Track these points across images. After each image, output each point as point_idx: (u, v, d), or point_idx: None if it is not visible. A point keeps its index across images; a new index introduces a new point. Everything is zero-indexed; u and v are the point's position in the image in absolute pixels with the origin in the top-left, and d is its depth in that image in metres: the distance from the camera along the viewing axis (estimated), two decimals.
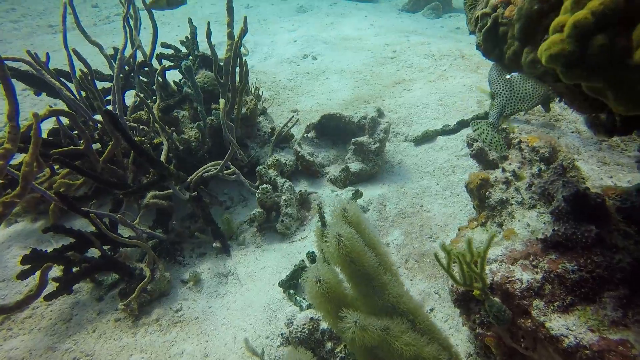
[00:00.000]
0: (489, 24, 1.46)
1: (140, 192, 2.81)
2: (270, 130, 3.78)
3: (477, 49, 1.65)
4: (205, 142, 3.33)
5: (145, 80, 3.93)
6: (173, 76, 4.26)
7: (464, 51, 5.85)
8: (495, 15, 1.47)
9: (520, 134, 2.88)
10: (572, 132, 3.48)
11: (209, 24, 3.10)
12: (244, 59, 3.21)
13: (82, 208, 2.49)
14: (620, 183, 2.93)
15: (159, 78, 3.67)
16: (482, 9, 1.53)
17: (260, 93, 4.18)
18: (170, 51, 4.42)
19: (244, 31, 3.02)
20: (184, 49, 4.24)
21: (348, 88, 4.95)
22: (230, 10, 3.18)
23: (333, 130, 3.72)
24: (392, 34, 7.20)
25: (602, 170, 3.10)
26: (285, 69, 5.69)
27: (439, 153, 3.57)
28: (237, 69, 3.28)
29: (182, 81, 3.36)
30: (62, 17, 3.07)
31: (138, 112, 3.48)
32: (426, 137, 3.72)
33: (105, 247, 2.63)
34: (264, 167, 3.34)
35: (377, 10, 9.70)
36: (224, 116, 2.68)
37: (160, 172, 2.70)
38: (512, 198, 2.47)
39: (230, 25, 3.20)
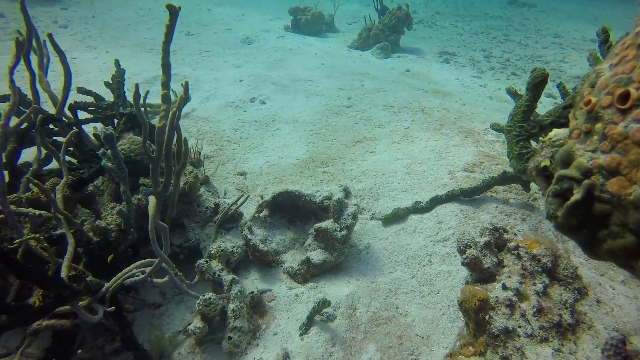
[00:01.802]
0: (577, 197, 1.01)
1: (22, 324, 2.01)
2: (213, 206, 3.11)
3: (547, 218, 1.17)
4: (130, 232, 2.59)
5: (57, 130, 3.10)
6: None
7: (422, 103, 5.60)
8: (590, 184, 1.03)
9: (515, 235, 2.50)
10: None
11: (137, 86, 2.41)
12: (183, 136, 2.54)
13: None
14: (614, 283, 2.65)
15: (71, 143, 2.87)
16: (562, 168, 1.07)
17: (202, 157, 3.51)
18: (90, 99, 3.62)
19: (185, 100, 2.38)
20: (114, 89, 3.47)
21: (302, 143, 4.41)
22: (166, 68, 2.52)
23: (290, 206, 3.14)
24: (345, 76, 6.85)
25: (591, 264, 2.80)
26: (230, 115, 5.05)
27: (412, 237, 3.12)
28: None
29: (101, 151, 2.62)
30: None
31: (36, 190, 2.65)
32: (396, 217, 3.26)
33: None
34: (206, 261, 2.66)
35: (325, 46, 9.41)
36: (153, 227, 1.99)
37: (56, 293, 1.94)
38: (520, 327, 2.03)
39: (165, 85, 2.53)
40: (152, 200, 2.01)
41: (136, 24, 9.48)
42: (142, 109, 2.82)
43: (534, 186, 3.32)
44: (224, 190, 3.56)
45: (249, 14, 12.05)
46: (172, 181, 2.58)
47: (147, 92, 3.64)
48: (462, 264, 2.31)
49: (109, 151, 2.53)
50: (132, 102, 3.18)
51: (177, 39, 8.88)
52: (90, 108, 3.46)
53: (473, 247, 2.29)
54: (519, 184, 3.20)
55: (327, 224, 2.87)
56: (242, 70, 6.67)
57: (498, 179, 3.19)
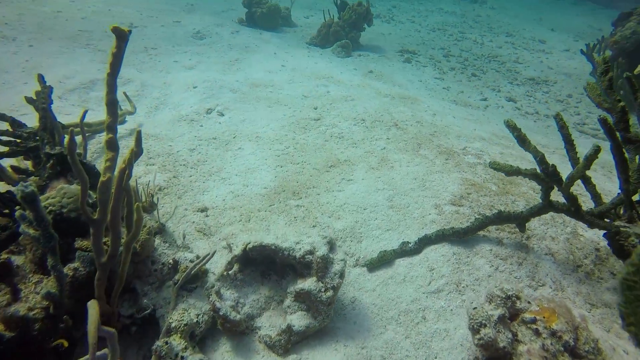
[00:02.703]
0: None
1: None
2: (171, 262, 2.59)
3: None
4: (64, 319, 2.03)
5: None
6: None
7: (393, 115, 5.27)
8: None
9: (528, 302, 2.22)
10: (546, 254, 2.99)
11: (72, 134, 1.83)
12: (136, 202, 2.00)
13: None
14: (622, 341, 2.47)
15: None
16: None
17: (156, 200, 2.94)
18: (4, 124, 2.93)
19: (137, 154, 1.85)
20: (39, 109, 2.80)
21: (269, 167, 3.94)
22: (111, 106, 1.95)
23: (264, 257, 2.69)
24: (309, 80, 6.39)
25: (594, 316, 2.61)
26: (184, 131, 4.44)
27: (401, 287, 2.78)
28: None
29: (18, 213, 2.01)
30: None
31: None
32: (383, 261, 2.91)
33: None
34: (165, 342, 2.17)
35: (284, 43, 8.84)
36: (94, 341, 1.47)
37: None
38: None
39: (111, 128, 1.97)
40: (92, 309, 1.49)
41: (68, 10, 8.36)
42: (80, 151, 2.24)
43: (529, 225, 3.10)
44: (183, 232, 3.04)
45: (200, 4, 11.13)
46: (121, 252, 2.05)
47: (85, 112, 3.00)
48: (476, 345, 2.00)
49: (29, 212, 1.94)
50: (65, 132, 2.57)
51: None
52: (4, 138, 2.78)
53: (488, 325, 1.97)
54: (513, 224, 2.96)
55: (310, 284, 2.46)
56: (195, 74, 6.00)
57: (493, 219, 2.92)
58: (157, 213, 2.78)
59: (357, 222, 3.22)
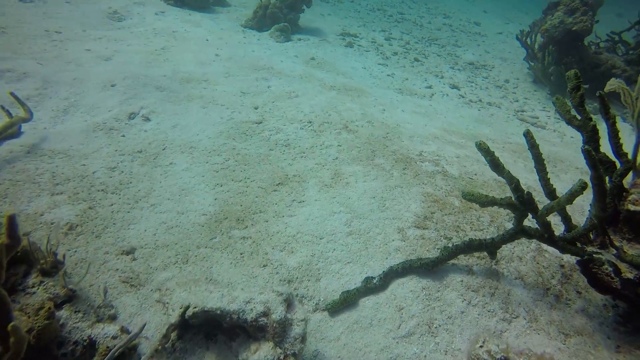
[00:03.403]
0: None
1: None
2: (86, 341, 2.04)
3: None
4: None
5: None
6: None
7: (342, 113, 4.88)
8: None
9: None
10: (516, 279, 2.82)
11: None
12: (10, 322, 1.43)
13: None
14: None
15: None
16: None
17: (63, 257, 2.32)
18: None
19: (11, 247, 1.27)
20: None
21: (207, 186, 3.40)
22: None
23: (208, 320, 2.23)
24: (247, 73, 5.77)
25: (569, 348, 2.48)
26: (102, 144, 3.73)
27: (369, 333, 2.46)
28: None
29: None
30: None
31: None
32: (346, 302, 2.57)
33: None
34: None
35: (217, 26, 8.02)
36: None
37: None
38: None
39: None
40: None
41: None
42: None
43: (499, 252, 2.90)
44: (104, 286, 2.46)
45: None
46: None
47: None
48: None
49: None
50: None
51: (7, 5, 6.64)
52: None
53: None
54: (484, 251, 2.73)
55: (267, 352, 2.05)
56: (113, 67, 5.14)
57: (463, 248, 2.67)
58: (63, 276, 2.18)
59: (313, 255, 2.83)
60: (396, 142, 4.34)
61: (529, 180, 4.14)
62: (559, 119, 7.61)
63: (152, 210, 3.12)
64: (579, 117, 2.56)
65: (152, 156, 3.69)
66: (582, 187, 2.00)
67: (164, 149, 3.80)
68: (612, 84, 2.65)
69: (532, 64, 9.06)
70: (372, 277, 2.68)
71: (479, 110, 7.22)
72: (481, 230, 3.14)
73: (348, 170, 3.66)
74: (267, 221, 3.08)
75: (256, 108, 4.72)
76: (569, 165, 5.04)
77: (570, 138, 6.66)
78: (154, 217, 3.06)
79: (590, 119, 2.51)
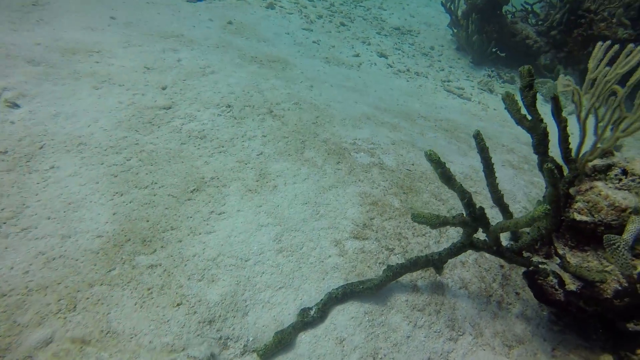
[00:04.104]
0: None
1: None
2: None
3: None
4: None
5: None
6: None
7: (265, 93, 4.31)
8: None
9: None
10: (460, 288, 2.65)
11: None
12: None
13: None
14: None
15: None
16: None
17: None
18: None
19: None
20: None
21: (102, 196, 2.74)
22: None
23: None
24: (151, 42, 4.88)
25: None
26: None
27: None
28: None
29: None
30: None
31: None
32: (281, 344, 2.19)
33: None
34: None
35: None
36: None
37: None
38: None
39: None
40: None
41: None
42: None
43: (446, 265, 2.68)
44: None
45: None
46: None
47: None
48: None
49: None
50: None
51: None
52: None
53: None
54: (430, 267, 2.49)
55: None
56: None
57: (409, 266, 2.40)
58: None
59: (238, 283, 2.39)
60: (327, 128, 3.92)
61: (464, 166, 4.01)
62: (482, 89, 7.71)
63: (24, 237, 2.42)
64: (529, 118, 2.33)
65: (23, 158, 2.88)
66: (546, 214, 1.76)
67: (41, 148, 3.00)
68: (566, 84, 2.44)
69: (456, 31, 9.02)
70: (308, 308, 2.32)
71: (407, 81, 7.01)
72: (424, 235, 2.90)
73: (275, 168, 3.18)
74: (180, 241, 2.54)
75: (164, 88, 3.97)
76: (495, 143, 5.03)
77: (493, 110, 6.75)
78: (27, 246, 2.37)
79: (542, 121, 2.29)
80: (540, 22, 8.76)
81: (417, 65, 7.86)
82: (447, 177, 2.10)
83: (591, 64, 2.37)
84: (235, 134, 3.50)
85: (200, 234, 2.60)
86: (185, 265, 2.40)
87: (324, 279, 2.50)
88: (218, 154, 3.26)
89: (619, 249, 1.84)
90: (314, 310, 2.31)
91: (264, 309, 2.32)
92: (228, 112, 3.78)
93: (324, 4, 9.55)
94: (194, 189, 2.89)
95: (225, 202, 2.82)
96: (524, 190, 3.98)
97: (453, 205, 3.29)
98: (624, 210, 2.15)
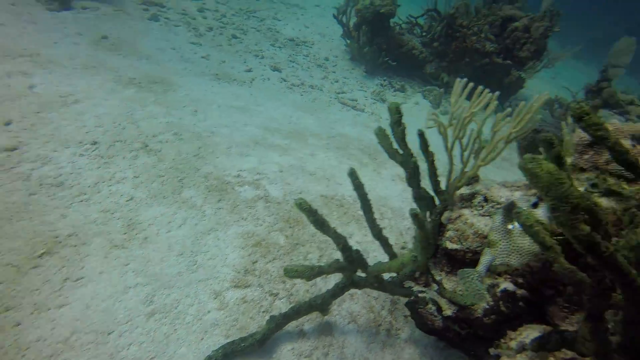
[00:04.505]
0: None
1: None
2: None
3: None
4: None
5: None
6: None
7: (140, 124, 3.91)
8: None
9: None
10: (349, 323, 2.61)
11: None
12: None
13: None
14: None
15: None
16: None
17: None
18: None
19: None
20: None
21: None
22: None
23: None
24: None
25: None
26: None
27: None
28: None
29: None
30: None
31: None
32: None
33: None
34: None
35: None
36: None
37: None
38: None
39: None
40: None
41: None
42: None
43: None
44: None
45: None
46: None
47: None
48: None
49: None
50: None
51: None
52: None
53: None
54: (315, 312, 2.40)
55: None
56: None
57: (292, 315, 2.28)
58: None
59: None
60: (210, 159, 3.67)
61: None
62: (375, 99, 8.00)
63: None
64: (400, 152, 2.36)
65: None
66: (413, 260, 1.75)
67: None
68: (432, 118, 2.51)
69: (349, 42, 9.27)
70: None
71: (301, 95, 7.00)
72: None
73: (147, 215, 2.86)
74: (19, 324, 2.12)
75: (7, 124, 3.39)
76: (387, 158, 5.19)
77: (385, 121, 7.01)
78: None
79: (412, 155, 2.33)
80: (424, 34, 9.38)
81: (312, 77, 7.90)
82: (320, 224, 2.02)
83: (452, 99, 2.48)
84: (101, 177, 3.10)
85: (48, 309, 2.21)
86: (24, 356, 2.01)
87: (202, 339, 2.28)
88: (78, 203, 2.84)
89: (473, 280, 1.92)
90: None
91: None
92: (93, 151, 3.34)
93: (214, 15, 9.18)
94: (43, 252, 2.47)
95: (83, 265, 2.45)
96: (413, 205, 4.12)
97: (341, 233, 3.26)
98: (485, 237, 2.26)
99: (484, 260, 1.94)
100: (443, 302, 2.42)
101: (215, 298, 2.46)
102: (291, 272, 1.91)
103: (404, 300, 2.97)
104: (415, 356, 2.64)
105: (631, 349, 1.31)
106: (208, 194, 3.20)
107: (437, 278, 2.51)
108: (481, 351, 2.18)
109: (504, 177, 6.09)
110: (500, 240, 1.92)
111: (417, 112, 8.04)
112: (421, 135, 2.34)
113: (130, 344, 2.17)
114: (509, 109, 2.37)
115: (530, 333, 1.81)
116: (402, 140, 2.30)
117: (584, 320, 1.53)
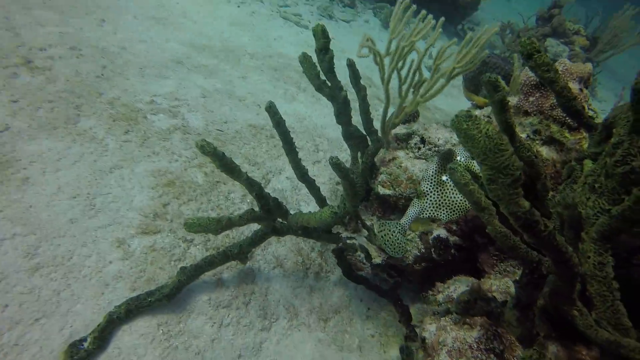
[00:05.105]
0: None
1: None
2: None
3: None
4: None
5: None
6: None
7: (24, 36, 3.19)
8: None
9: None
10: (274, 268, 2.46)
11: None
12: None
13: None
14: None
15: None
16: None
17: None
18: None
19: None
20: None
21: None
22: None
23: None
24: None
25: (328, 334, 2.34)
26: None
27: None
28: None
29: None
30: None
31: None
32: None
33: None
34: None
35: None
36: None
37: None
38: None
39: None
40: None
41: None
42: None
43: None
44: None
45: None
46: None
47: None
48: None
49: None
50: None
51: None
52: None
53: None
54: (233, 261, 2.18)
55: None
56: None
57: (204, 267, 2.05)
58: None
59: None
60: (117, 82, 3.11)
61: (288, 115, 3.69)
62: (322, 15, 7.33)
63: None
64: (329, 84, 2.02)
65: None
66: (332, 217, 1.52)
67: None
68: (366, 45, 2.15)
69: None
70: (81, 339, 1.85)
71: (238, 7, 6.20)
72: (235, 212, 2.56)
73: (30, 151, 2.38)
74: None
75: None
76: None
77: (332, 39, 6.47)
78: None
79: (342, 89, 2.01)
80: None
81: None
82: (229, 169, 1.72)
83: (392, 24, 2.12)
84: None
85: None
86: None
87: (103, 293, 2.01)
88: None
89: (394, 233, 1.77)
90: (87, 341, 1.85)
91: (9, 355, 1.76)
92: None
93: None
94: None
95: None
96: None
97: (270, 169, 2.99)
98: (419, 183, 2.09)
99: (410, 212, 1.78)
100: (372, 249, 2.29)
101: (119, 247, 2.16)
102: (193, 227, 1.63)
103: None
104: (344, 299, 2.56)
105: (555, 316, 1.22)
106: (113, 123, 2.73)
107: (368, 224, 2.35)
108: (407, 300, 2.11)
109: (450, 106, 5.96)
110: (431, 192, 1.74)
111: (366, 31, 7.51)
112: (351, 65, 2.02)
113: (5, 305, 1.85)
114: (455, 40, 2.07)
115: (458, 287, 1.72)
116: (329, 70, 1.96)
117: (511, 308, 1.43)
